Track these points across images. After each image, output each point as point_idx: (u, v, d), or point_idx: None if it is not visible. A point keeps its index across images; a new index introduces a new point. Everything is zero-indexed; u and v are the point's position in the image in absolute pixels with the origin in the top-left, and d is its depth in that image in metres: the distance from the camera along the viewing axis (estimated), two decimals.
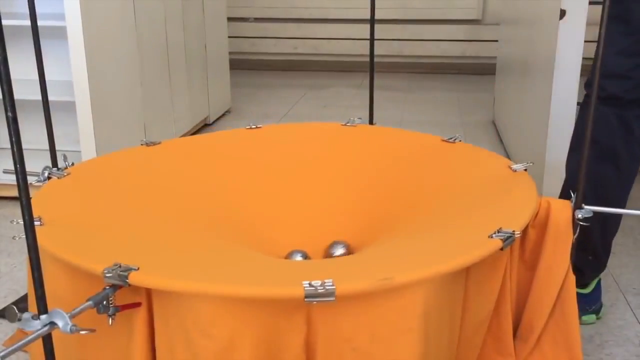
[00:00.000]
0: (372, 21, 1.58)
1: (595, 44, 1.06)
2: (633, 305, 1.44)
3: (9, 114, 0.70)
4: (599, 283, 1.39)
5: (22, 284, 1.51)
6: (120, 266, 0.85)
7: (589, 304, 1.36)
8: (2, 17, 0.68)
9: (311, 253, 1.28)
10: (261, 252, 1.22)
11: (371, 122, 1.65)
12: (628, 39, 1.20)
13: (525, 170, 1.24)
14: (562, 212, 1.09)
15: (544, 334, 1.12)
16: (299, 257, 1.27)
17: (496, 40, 3.17)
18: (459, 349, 1.03)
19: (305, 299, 0.82)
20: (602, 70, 1.06)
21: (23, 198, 0.72)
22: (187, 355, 0.87)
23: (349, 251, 1.27)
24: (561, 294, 1.11)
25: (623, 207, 1.25)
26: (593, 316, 1.37)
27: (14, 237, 1.01)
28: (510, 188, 1.17)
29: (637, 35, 1.19)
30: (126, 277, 0.83)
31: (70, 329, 0.75)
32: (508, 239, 0.96)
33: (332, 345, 0.89)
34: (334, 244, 1.28)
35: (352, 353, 0.89)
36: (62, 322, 0.76)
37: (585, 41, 1.64)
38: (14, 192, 1.97)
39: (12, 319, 0.80)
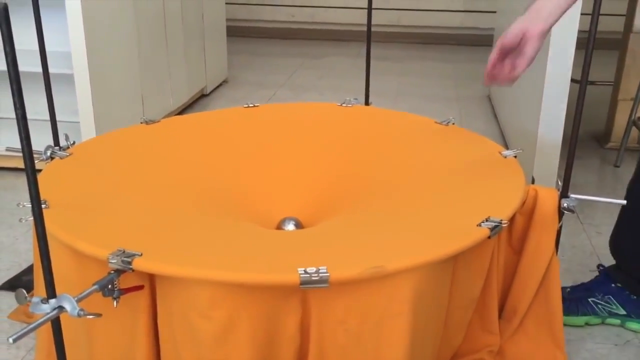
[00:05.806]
0: None
1: None
2: None
3: (19, 111, 0.72)
4: None
5: (24, 257, 1.55)
6: (124, 252, 0.89)
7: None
8: None
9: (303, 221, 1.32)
10: (258, 221, 1.26)
11: (367, 102, 1.67)
12: None
13: (515, 157, 1.27)
14: (548, 201, 1.13)
15: (528, 316, 1.18)
16: (291, 225, 1.30)
17: (494, 12, 3.16)
18: (447, 329, 1.08)
19: (301, 286, 0.86)
20: None
21: (32, 190, 0.75)
22: (188, 336, 0.92)
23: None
24: (545, 278, 1.16)
25: None
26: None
27: (20, 220, 1.05)
28: (499, 175, 1.21)
29: None
30: (130, 262, 0.87)
31: (78, 313, 0.79)
32: (495, 228, 1.00)
33: (325, 326, 0.94)
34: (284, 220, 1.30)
35: (344, 334, 0.94)
36: (70, 306, 0.80)
37: (581, 14, 1.60)
38: (14, 163, 2.00)
39: (22, 301, 0.84)
